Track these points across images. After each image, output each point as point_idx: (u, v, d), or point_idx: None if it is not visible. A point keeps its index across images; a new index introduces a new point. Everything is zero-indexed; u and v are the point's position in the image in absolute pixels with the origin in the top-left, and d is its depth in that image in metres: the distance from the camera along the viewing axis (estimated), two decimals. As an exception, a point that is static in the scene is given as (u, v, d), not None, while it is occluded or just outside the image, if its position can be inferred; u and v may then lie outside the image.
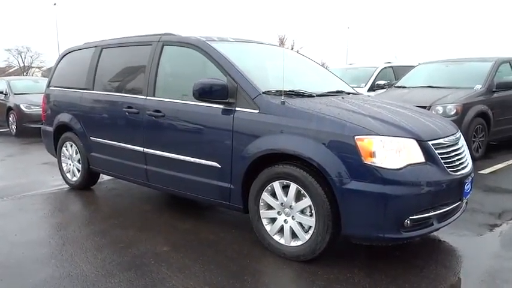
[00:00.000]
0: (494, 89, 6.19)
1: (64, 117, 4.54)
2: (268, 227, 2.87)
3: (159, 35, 3.71)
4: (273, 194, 2.81)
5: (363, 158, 2.42)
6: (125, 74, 3.98)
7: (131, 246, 3.02)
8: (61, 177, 4.82)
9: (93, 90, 4.19)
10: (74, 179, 4.63)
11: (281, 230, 2.81)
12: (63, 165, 4.75)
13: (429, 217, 2.54)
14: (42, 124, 5.06)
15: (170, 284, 2.45)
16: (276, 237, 2.83)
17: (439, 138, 2.68)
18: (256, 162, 2.84)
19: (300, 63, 4.00)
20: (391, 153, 2.44)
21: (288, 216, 2.76)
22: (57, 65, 4.88)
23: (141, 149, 3.62)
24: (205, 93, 2.96)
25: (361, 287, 2.42)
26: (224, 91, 2.92)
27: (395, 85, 7.32)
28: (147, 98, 3.56)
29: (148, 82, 3.58)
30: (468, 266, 2.71)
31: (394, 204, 2.39)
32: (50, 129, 4.79)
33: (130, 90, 3.80)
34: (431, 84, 6.62)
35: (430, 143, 2.58)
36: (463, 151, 2.90)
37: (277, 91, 2.96)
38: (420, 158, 2.51)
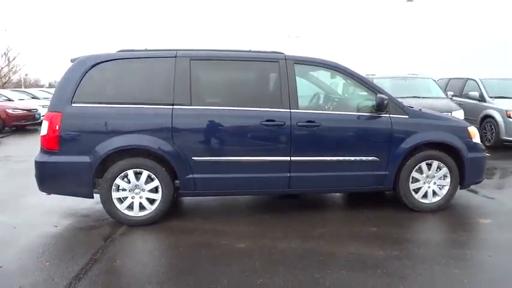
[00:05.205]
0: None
1: (131, 140, 3.73)
2: (415, 195, 4.21)
3: (278, 53, 4.06)
4: (418, 171, 4.18)
5: (472, 138, 4.29)
6: (244, 89, 4.01)
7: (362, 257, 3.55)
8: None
9: (191, 105, 3.81)
10: (142, 213, 3.84)
11: (425, 194, 4.23)
12: (115, 201, 3.80)
13: None
14: (58, 154, 3.66)
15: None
16: (422, 200, 4.23)
17: None
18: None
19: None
20: (477, 134, 4.43)
21: (429, 183, 4.23)
22: (81, 78, 3.74)
23: (286, 158, 3.91)
24: (379, 105, 3.93)
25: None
26: (387, 103, 3.99)
27: None
28: (293, 110, 3.91)
29: (289, 96, 3.91)
30: None
31: (485, 161, 4.41)
32: (84, 159, 3.67)
33: (261, 104, 3.91)
34: (415, 95, 7.92)
35: None
36: None
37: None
38: None
